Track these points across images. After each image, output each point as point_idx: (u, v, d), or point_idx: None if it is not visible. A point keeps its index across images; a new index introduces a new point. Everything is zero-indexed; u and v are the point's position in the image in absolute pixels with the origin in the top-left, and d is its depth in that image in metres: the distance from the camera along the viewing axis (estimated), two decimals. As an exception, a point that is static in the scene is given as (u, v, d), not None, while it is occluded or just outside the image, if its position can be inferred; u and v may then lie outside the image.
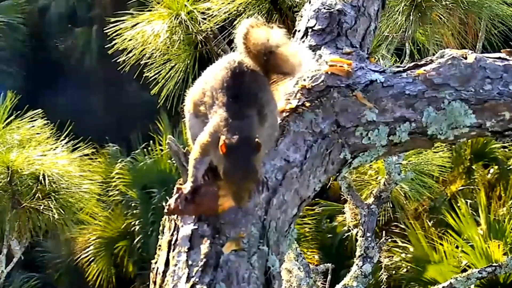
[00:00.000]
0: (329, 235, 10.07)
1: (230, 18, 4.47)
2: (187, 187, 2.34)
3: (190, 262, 2.23)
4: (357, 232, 5.29)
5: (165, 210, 2.35)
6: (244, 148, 2.20)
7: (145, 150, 11.02)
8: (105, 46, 4.85)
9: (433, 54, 2.65)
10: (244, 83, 2.33)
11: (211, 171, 2.33)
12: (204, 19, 4.54)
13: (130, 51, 4.70)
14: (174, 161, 2.72)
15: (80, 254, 10.58)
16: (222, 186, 2.30)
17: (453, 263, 7.86)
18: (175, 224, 2.35)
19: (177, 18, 4.62)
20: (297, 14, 2.98)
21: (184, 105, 2.49)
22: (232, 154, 2.19)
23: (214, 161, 2.28)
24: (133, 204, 10.77)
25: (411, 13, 4.77)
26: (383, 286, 7.57)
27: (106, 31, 4.78)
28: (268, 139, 2.38)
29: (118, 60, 4.76)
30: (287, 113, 2.55)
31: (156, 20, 4.70)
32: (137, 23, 4.74)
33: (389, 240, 8.13)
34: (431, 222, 9.00)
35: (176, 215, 2.35)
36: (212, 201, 2.31)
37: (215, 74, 2.36)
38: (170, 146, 2.47)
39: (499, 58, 2.58)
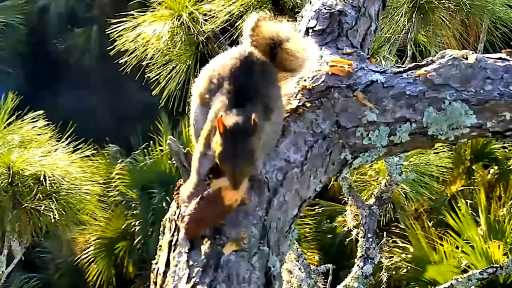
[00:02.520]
0: (329, 236, 10.08)
1: (231, 19, 4.48)
2: (188, 184, 2.30)
3: (190, 263, 2.23)
4: (358, 232, 5.29)
5: (184, 234, 2.30)
6: (241, 129, 2.18)
7: (145, 150, 11.02)
8: (107, 48, 4.85)
9: (435, 56, 2.65)
10: (253, 74, 2.32)
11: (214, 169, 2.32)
12: (206, 20, 4.54)
13: (132, 52, 4.70)
14: (174, 162, 2.71)
15: (80, 254, 10.58)
16: (216, 181, 2.28)
17: (453, 263, 7.86)
18: (176, 224, 2.35)
19: (179, 19, 4.62)
20: (298, 15, 2.98)
21: (188, 101, 2.48)
22: (229, 134, 2.17)
23: (213, 145, 2.25)
24: (133, 205, 10.77)
25: (413, 15, 4.78)
26: (382, 286, 7.56)
27: (108, 32, 4.79)
28: (272, 134, 2.38)
29: (119, 61, 4.76)
30: (288, 114, 2.55)
31: (158, 21, 4.70)
32: (139, 24, 4.74)
33: (389, 240, 8.13)
34: (431, 222, 9.00)
35: (198, 231, 2.30)
36: (216, 198, 2.29)
37: (224, 62, 2.35)
38: (171, 146, 2.46)
39: (500, 58, 2.59)
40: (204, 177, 2.30)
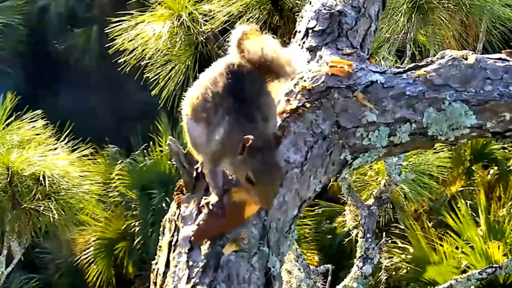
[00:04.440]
0: (329, 236, 10.07)
1: (231, 20, 4.48)
2: (212, 199, 2.33)
3: (190, 263, 2.23)
4: (357, 233, 5.29)
5: (192, 237, 2.30)
6: (268, 146, 2.20)
7: (145, 151, 11.02)
8: (106, 47, 4.85)
9: (434, 56, 2.65)
10: (246, 87, 2.33)
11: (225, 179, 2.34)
12: (206, 20, 4.54)
13: (131, 52, 4.70)
14: (174, 162, 2.72)
15: (80, 255, 10.58)
16: (239, 192, 2.29)
17: (453, 264, 7.86)
18: (176, 225, 2.35)
19: (178, 19, 4.62)
20: (297, 15, 2.98)
21: (181, 109, 2.47)
22: (259, 154, 2.18)
23: (230, 169, 2.28)
24: (133, 205, 10.76)
25: (413, 15, 4.78)
26: (382, 286, 7.56)
27: (107, 32, 4.79)
28: None
29: (118, 61, 4.76)
30: (288, 114, 2.55)
31: (157, 21, 4.70)
32: (138, 24, 4.74)
33: (389, 241, 8.13)
34: (431, 223, 8.99)
35: (207, 237, 2.30)
36: (237, 210, 2.30)
37: (215, 78, 2.34)
38: (170, 147, 2.46)
39: (500, 59, 2.58)
40: (221, 189, 2.33)
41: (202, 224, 2.29)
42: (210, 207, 2.30)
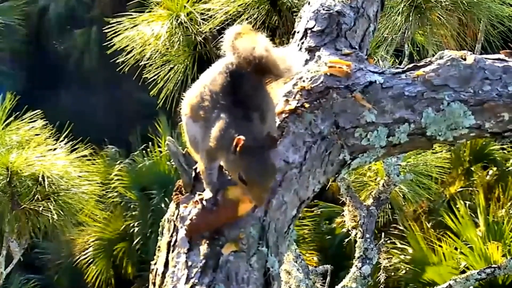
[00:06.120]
0: (328, 237, 10.08)
1: (229, 20, 4.48)
2: (206, 195, 2.34)
3: (189, 263, 2.23)
4: (356, 233, 5.29)
5: (185, 231, 2.31)
6: (261, 146, 2.20)
7: (144, 151, 11.02)
8: (105, 47, 4.85)
9: (433, 55, 2.65)
10: (244, 86, 2.33)
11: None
12: (204, 19, 4.54)
13: (130, 52, 4.70)
14: (173, 163, 2.72)
15: (79, 255, 10.58)
16: (234, 189, 2.30)
17: (452, 264, 7.86)
18: (174, 225, 2.35)
19: (177, 19, 4.63)
20: (296, 15, 2.98)
21: (180, 108, 2.48)
22: (251, 153, 2.18)
23: (225, 165, 2.28)
24: (132, 206, 10.77)
25: (411, 14, 4.77)
26: (381, 287, 7.56)
27: (105, 31, 4.79)
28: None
29: (117, 61, 4.76)
30: (286, 114, 2.55)
31: (156, 21, 4.71)
32: (137, 24, 4.74)
33: (388, 241, 8.13)
34: (430, 223, 9.00)
35: (199, 232, 2.31)
36: (231, 207, 2.30)
37: (214, 78, 2.36)
38: (169, 147, 2.47)
39: (498, 59, 2.58)
40: (217, 186, 2.34)
41: (195, 219, 2.29)
42: (204, 202, 2.31)
